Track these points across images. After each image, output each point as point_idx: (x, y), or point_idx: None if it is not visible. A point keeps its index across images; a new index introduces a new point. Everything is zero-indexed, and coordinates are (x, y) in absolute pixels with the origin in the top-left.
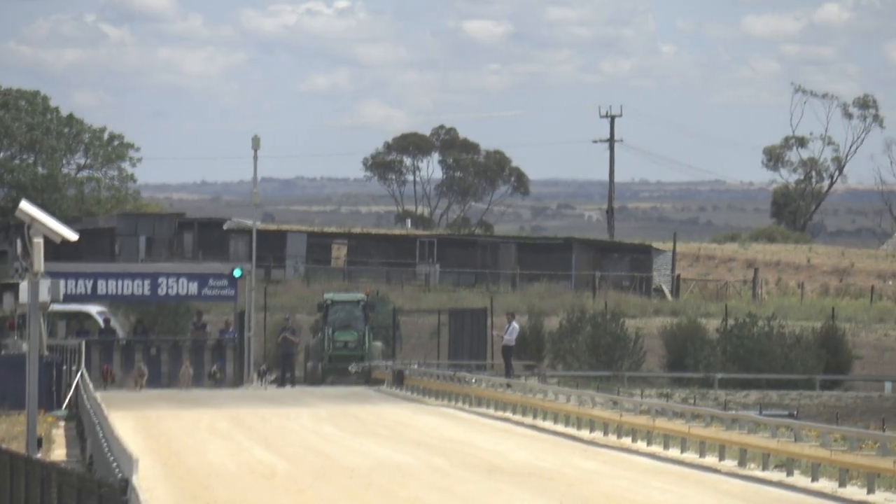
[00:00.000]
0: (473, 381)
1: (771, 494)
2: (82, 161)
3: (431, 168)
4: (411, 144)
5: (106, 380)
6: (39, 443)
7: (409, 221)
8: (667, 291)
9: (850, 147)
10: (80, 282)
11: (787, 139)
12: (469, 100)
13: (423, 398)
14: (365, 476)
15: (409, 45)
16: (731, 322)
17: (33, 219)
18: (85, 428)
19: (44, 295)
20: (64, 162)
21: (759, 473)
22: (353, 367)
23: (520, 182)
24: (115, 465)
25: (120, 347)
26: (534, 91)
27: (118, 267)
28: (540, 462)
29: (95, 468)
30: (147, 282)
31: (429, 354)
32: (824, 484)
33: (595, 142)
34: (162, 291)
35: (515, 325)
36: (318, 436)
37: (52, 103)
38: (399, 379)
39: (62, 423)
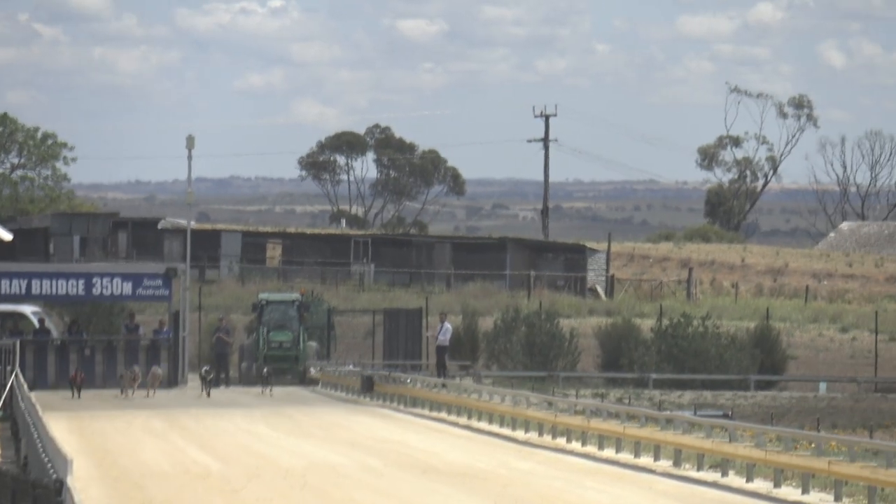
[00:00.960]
0: (408, 381)
1: (706, 495)
2: (16, 160)
3: (366, 167)
4: (345, 143)
5: (77, 386)
6: None
7: (343, 221)
8: (601, 291)
9: (785, 147)
10: (15, 282)
11: (721, 139)
12: (404, 99)
13: (357, 399)
14: (299, 476)
15: (343, 43)
16: (665, 322)
17: None
18: (20, 428)
19: None
20: None
21: (693, 474)
22: (315, 372)
23: (455, 182)
24: (49, 465)
25: (55, 348)
26: (469, 90)
27: (52, 267)
28: (475, 462)
29: (30, 469)
30: (81, 282)
31: (363, 354)
32: (759, 484)
33: (530, 141)
34: (96, 291)
35: (448, 325)
36: (252, 436)
37: None
38: (368, 386)
39: None
